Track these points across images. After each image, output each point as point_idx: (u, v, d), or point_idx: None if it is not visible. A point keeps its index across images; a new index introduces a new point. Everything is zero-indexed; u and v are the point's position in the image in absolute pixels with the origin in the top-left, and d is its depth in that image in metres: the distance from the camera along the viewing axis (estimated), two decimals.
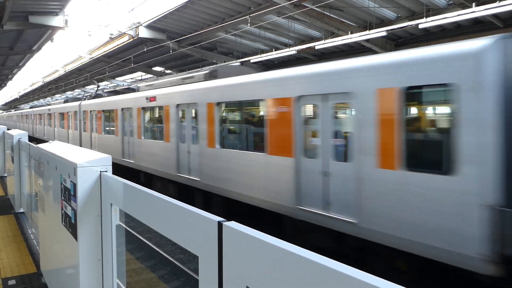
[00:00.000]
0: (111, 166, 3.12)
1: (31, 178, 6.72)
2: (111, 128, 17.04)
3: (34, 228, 6.65)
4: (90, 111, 19.62)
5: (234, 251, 1.58)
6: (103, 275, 3.01)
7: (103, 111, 17.82)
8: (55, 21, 15.45)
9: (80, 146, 19.39)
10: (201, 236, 1.77)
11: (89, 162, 3.06)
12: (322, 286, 1.19)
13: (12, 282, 4.78)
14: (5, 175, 11.34)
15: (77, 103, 22.39)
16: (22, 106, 67.16)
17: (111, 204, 2.89)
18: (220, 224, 1.63)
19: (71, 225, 3.24)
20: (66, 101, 27.42)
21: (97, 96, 23.60)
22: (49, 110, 29.58)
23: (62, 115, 25.55)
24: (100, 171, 3.06)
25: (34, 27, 15.86)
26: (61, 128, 25.70)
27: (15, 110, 56.82)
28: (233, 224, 1.60)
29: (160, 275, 8.01)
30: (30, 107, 44.13)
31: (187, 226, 1.93)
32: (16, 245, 6.17)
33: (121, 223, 3.02)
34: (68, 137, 24.05)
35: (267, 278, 1.42)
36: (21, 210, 8.06)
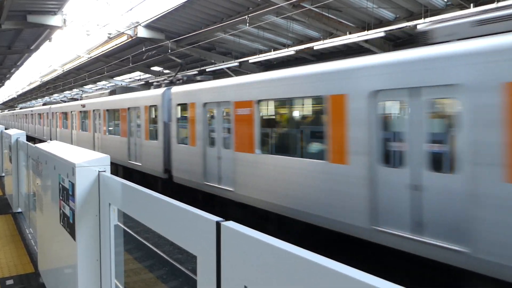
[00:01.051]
0: (109, 166, 3.11)
1: (29, 177, 6.71)
2: (314, 143, 7.82)
3: (32, 228, 6.63)
4: (204, 103, 10.63)
5: (233, 251, 1.58)
6: (101, 275, 3.00)
7: (258, 101, 8.71)
8: (53, 20, 15.44)
9: (168, 171, 12.30)
10: (200, 236, 1.77)
11: (87, 162, 3.06)
12: (321, 286, 1.19)
13: (10, 282, 4.77)
14: (3, 174, 11.31)
15: (157, 91, 13.09)
16: (28, 103, 64.38)
17: (110, 204, 2.89)
18: (218, 224, 1.63)
19: (69, 225, 3.24)
20: (112, 92, 18.16)
21: (188, 80, 13.97)
22: (83, 106, 20.10)
23: (112, 113, 16.72)
24: (99, 171, 3.06)
25: (32, 26, 15.84)
26: (110, 135, 16.79)
27: (20, 108, 47.18)
28: (231, 224, 1.60)
29: (158, 275, 8.00)
30: (44, 104, 33.61)
31: (186, 226, 1.93)
32: (14, 244, 6.16)
33: (119, 223, 3.02)
34: (129, 151, 14.65)
35: (265, 278, 1.42)
36: (19, 210, 8.03)
